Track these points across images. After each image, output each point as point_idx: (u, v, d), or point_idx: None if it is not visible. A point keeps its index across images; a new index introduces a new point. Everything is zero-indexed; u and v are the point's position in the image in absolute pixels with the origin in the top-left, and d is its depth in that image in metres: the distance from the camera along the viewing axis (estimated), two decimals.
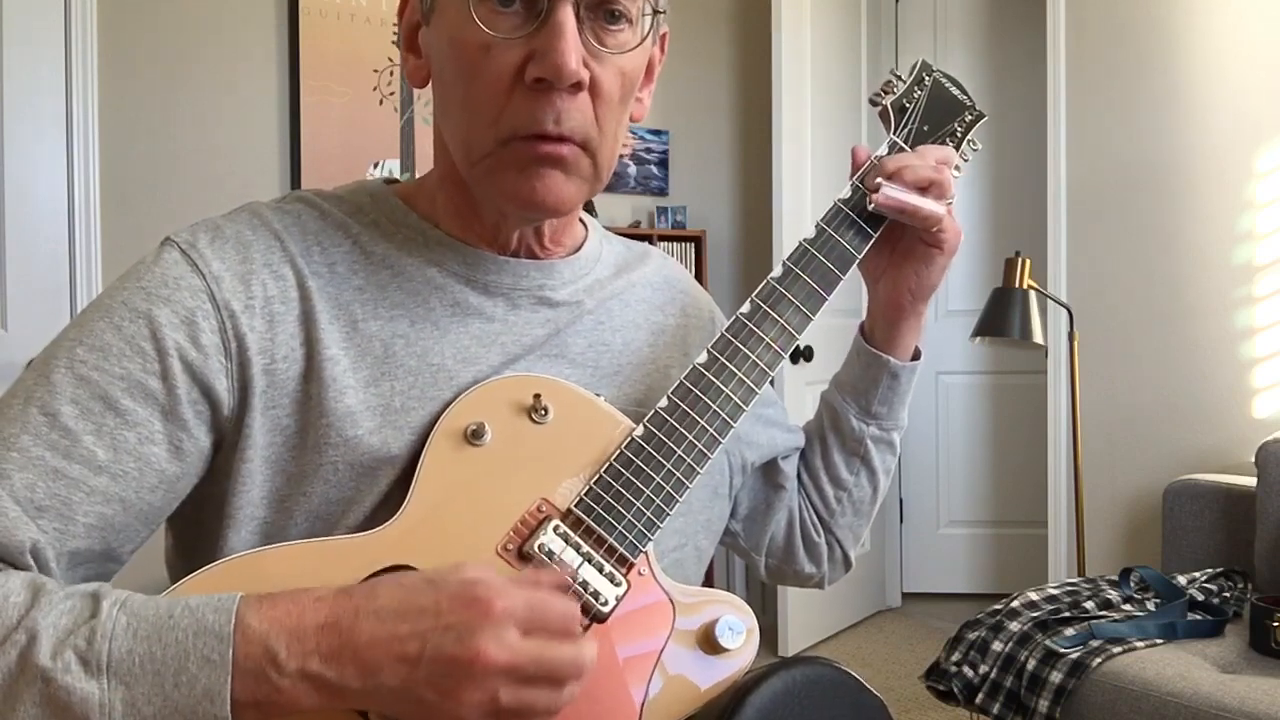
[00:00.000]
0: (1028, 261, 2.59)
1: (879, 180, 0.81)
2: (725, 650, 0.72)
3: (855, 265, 0.85)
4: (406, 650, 0.57)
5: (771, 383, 0.83)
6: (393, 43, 3.05)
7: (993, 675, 1.94)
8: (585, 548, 0.69)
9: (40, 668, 0.54)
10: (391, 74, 3.05)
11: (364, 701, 0.58)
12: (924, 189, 0.82)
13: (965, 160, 0.92)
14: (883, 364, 0.92)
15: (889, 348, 0.92)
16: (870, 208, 0.82)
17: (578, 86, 0.69)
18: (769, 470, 0.96)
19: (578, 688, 0.60)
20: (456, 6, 0.70)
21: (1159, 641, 1.94)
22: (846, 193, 0.85)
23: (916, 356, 0.94)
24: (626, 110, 0.76)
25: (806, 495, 0.99)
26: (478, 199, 0.77)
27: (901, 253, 0.87)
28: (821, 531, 0.99)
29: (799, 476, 0.99)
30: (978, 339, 2.66)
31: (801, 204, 3.20)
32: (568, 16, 0.68)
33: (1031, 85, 3.34)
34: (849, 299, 3.10)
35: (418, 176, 0.84)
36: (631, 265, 0.90)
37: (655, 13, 0.74)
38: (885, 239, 0.86)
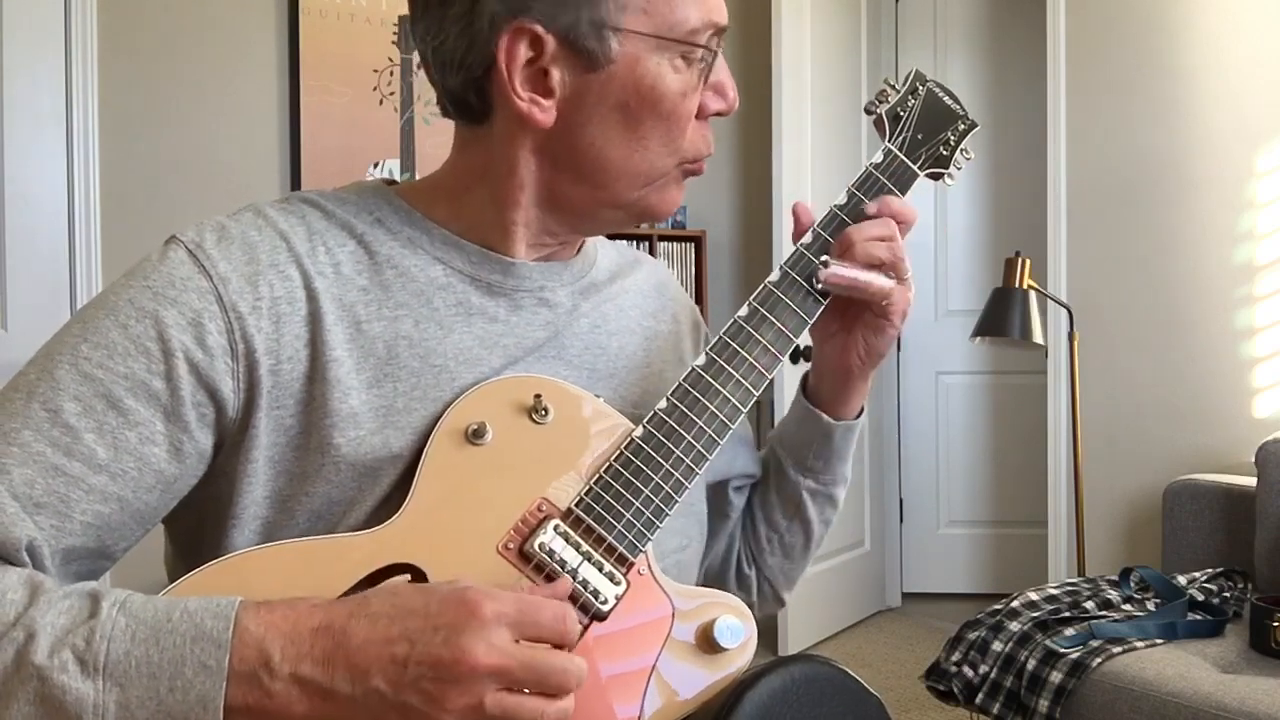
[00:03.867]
0: (1028, 261, 2.59)
1: (825, 259, 0.81)
2: (724, 650, 0.72)
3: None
4: (395, 652, 0.56)
5: (770, 385, 0.83)
6: (393, 43, 3.05)
7: (993, 675, 1.94)
8: (585, 547, 0.70)
9: (36, 666, 0.54)
10: (391, 74, 3.05)
11: (352, 710, 0.57)
12: (875, 266, 0.82)
13: (959, 168, 0.92)
14: (816, 421, 0.91)
15: (833, 408, 0.91)
16: (819, 286, 0.81)
17: None
18: (718, 497, 0.95)
19: (570, 702, 0.60)
20: (656, 60, 0.75)
21: (1159, 641, 1.94)
22: (842, 199, 0.86)
23: (860, 414, 0.93)
24: None
25: (742, 527, 0.98)
26: (587, 212, 0.80)
27: (851, 318, 0.86)
28: (751, 565, 0.98)
29: None
30: (978, 339, 2.67)
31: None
32: (723, 60, 0.79)
33: (1031, 86, 3.34)
34: None
35: (418, 177, 0.85)
36: (625, 271, 0.90)
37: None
38: (835, 307, 0.85)
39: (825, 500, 0.95)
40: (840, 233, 0.84)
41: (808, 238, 0.84)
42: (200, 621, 0.57)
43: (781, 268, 0.83)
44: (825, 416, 0.90)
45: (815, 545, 0.98)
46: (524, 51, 0.73)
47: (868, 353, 0.87)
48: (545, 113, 0.75)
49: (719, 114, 0.79)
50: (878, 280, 0.81)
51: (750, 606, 0.99)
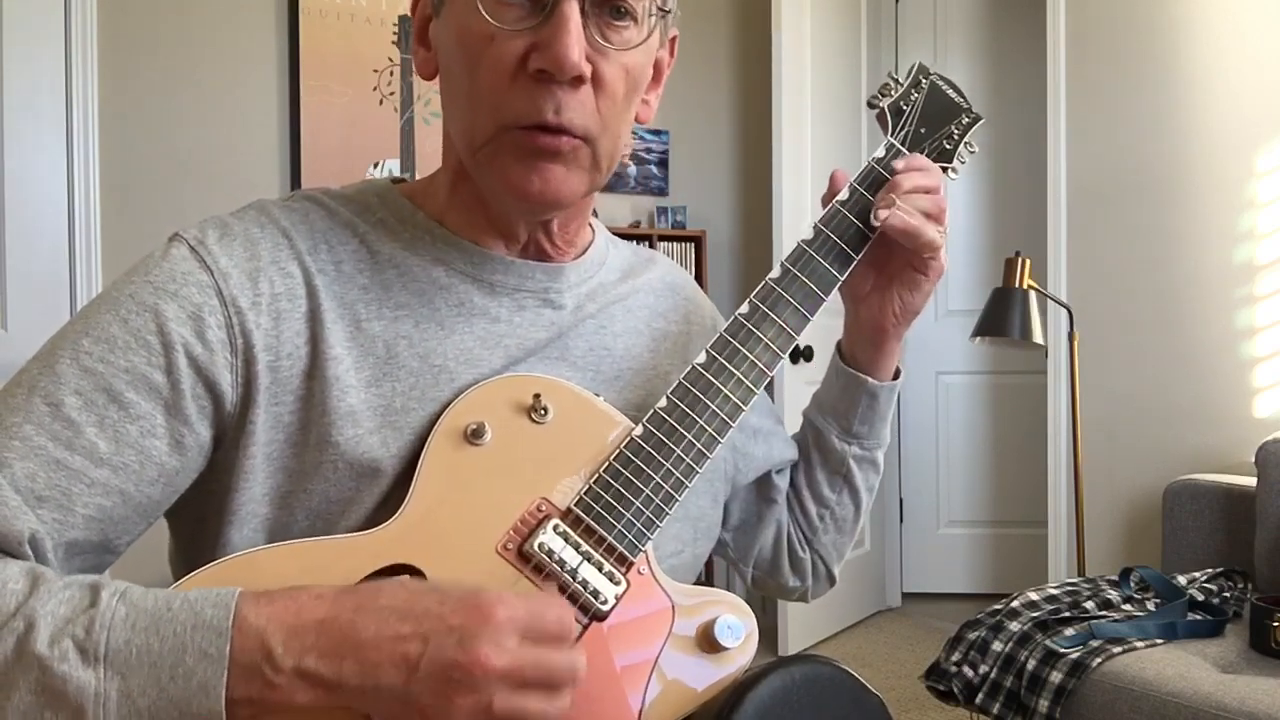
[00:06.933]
0: (1028, 261, 2.59)
1: (893, 197, 0.82)
2: (724, 650, 0.72)
3: (852, 267, 0.85)
4: (408, 650, 0.56)
5: (770, 383, 0.83)
6: (393, 43, 3.05)
7: (993, 675, 1.94)
8: (585, 546, 0.70)
9: (37, 655, 0.54)
10: (391, 74, 3.05)
11: (358, 700, 0.57)
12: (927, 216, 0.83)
13: (962, 162, 0.92)
14: (861, 384, 0.93)
15: (870, 369, 0.93)
16: (875, 223, 0.82)
17: (579, 80, 0.70)
18: (762, 484, 0.97)
19: (569, 698, 0.60)
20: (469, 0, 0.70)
21: (1159, 641, 1.94)
22: (844, 195, 0.85)
23: (896, 375, 0.95)
24: (631, 108, 0.77)
25: (791, 511, 0.99)
26: (484, 193, 0.77)
27: (889, 276, 0.88)
28: (806, 547, 1.00)
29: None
30: (978, 339, 2.66)
31: (801, 204, 3.20)
32: (572, 10, 0.68)
33: (1031, 85, 3.34)
34: None
35: (419, 176, 0.84)
36: (637, 271, 0.90)
37: (662, 12, 0.75)
38: (872, 263, 0.86)
39: (870, 466, 0.97)
40: (845, 230, 0.84)
41: (809, 234, 0.84)
42: (200, 610, 0.57)
43: (783, 264, 0.82)
44: (870, 379, 0.92)
45: (864, 514, 1.00)
46: (423, 4, 0.77)
47: (903, 310, 0.89)
48: (424, 63, 0.78)
49: (542, 72, 0.68)
50: (930, 230, 0.82)
51: (804, 593, 1.02)
